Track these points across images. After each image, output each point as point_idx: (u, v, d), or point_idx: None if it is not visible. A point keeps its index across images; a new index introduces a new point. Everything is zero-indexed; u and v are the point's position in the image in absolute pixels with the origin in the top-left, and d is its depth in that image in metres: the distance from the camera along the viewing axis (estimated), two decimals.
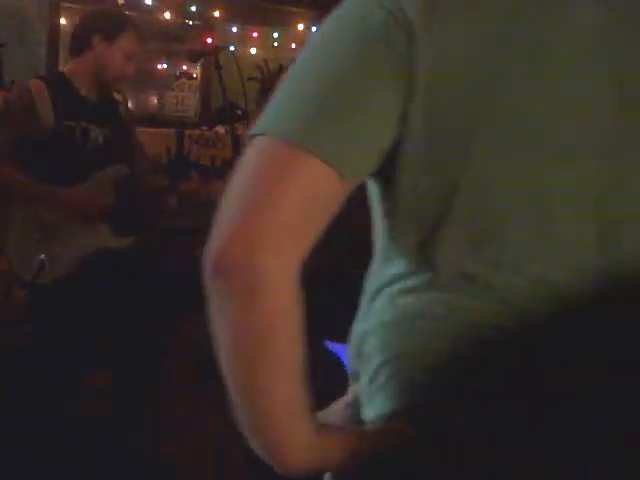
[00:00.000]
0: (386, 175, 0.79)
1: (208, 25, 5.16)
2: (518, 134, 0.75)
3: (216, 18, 5.14)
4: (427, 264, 0.78)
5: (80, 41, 2.70)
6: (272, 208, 0.70)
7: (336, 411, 0.90)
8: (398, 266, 0.81)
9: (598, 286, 0.77)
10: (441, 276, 0.78)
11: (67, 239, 2.62)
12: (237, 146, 2.54)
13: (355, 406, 0.86)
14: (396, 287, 0.81)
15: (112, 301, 2.65)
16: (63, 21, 4.91)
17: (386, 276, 0.83)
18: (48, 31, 4.85)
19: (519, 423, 0.77)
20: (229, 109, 2.74)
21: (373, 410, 0.83)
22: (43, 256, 2.47)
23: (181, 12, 5.12)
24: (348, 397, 0.90)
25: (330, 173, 0.71)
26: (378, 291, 0.84)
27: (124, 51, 2.68)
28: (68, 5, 4.92)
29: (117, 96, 2.88)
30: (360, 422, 0.85)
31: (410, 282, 0.80)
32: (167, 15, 5.05)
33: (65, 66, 2.78)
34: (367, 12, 0.74)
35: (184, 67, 5.40)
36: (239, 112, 3.27)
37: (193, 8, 5.10)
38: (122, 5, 4.76)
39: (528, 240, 0.76)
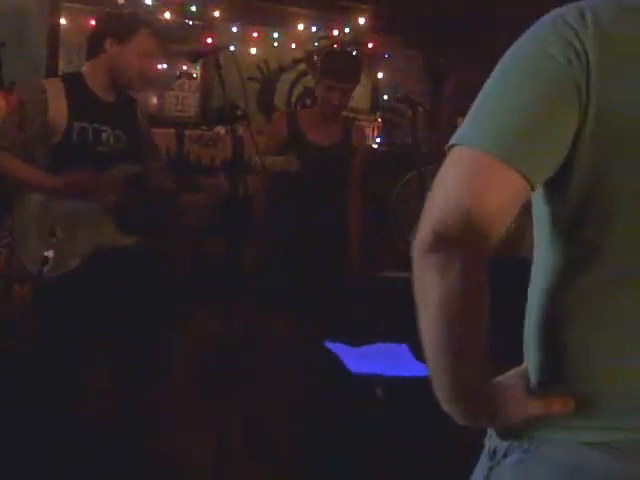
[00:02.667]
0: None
1: (208, 25, 5.15)
2: None
3: (216, 18, 5.13)
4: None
5: (94, 44, 2.73)
6: (482, 204, 0.90)
7: (509, 378, 1.05)
8: None
9: None
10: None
11: (73, 235, 2.62)
12: (237, 146, 2.54)
13: (526, 376, 1.03)
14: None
15: (114, 299, 2.66)
16: (63, 21, 4.89)
17: None
18: (48, 31, 4.84)
19: None
20: (229, 109, 2.73)
21: None
22: (49, 252, 2.48)
23: (181, 12, 5.11)
24: (521, 368, 1.05)
25: (521, 182, 0.91)
26: None
27: (137, 52, 2.70)
28: (68, 5, 4.91)
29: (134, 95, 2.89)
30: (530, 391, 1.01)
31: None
32: (167, 15, 5.05)
33: (83, 67, 2.80)
34: (547, 43, 0.93)
35: (184, 67, 5.39)
36: (239, 112, 3.27)
37: (193, 8, 5.10)
38: (122, 5, 4.75)
39: None
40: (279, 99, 5.39)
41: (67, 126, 2.61)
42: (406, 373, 2.32)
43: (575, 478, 0.95)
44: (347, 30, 5.59)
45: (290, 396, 3.10)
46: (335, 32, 5.57)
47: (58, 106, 2.62)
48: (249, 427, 3.14)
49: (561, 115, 0.92)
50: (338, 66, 3.30)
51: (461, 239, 0.89)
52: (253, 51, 5.50)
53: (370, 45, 5.73)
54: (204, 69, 5.28)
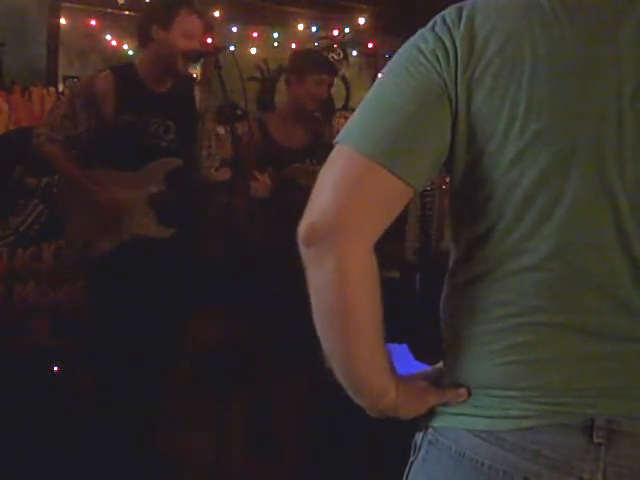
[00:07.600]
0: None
1: (208, 25, 5.15)
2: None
3: (216, 18, 5.14)
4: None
5: (142, 34, 2.72)
6: (351, 203, 0.92)
7: (423, 371, 1.11)
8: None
9: None
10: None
11: (114, 222, 2.64)
12: (237, 146, 2.53)
13: (439, 371, 1.07)
14: None
15: (144, 290, 2.66)
16: (63, 21, 4.90)
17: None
18: (48, 31, 4.84)
19: None
20: (229, 109, 2.73)
21: None
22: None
23: None
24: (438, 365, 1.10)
25: (395, 181, 0.92)
26: None
27: (183, 33, 2.67)
28: (68, 5, 4.92)
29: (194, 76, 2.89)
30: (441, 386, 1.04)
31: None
32: None
33: (135, 58, 2.81)
34: (423, 41, 0.96)
35: None
36: (239, 112, 3.26)
37: None
38: (122, 5, 4.76)
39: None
40: (279, 99, 5.40)
41: (115, 119, 2.62)
42: (406, 373, 2.32)
43: (456, 465, 0.98)
44: (347, 30, 5.60)
45: (291, 396, 3.11)
46: (335, 32, 5.58)
47: (106, 99, 2.63)
48: (249, 426, 3.14)
49: (431, 114, 0.94)
50: (320, 61, 3.23)
51: (330, 236, 0.91)
52: (253, 51, 5.51)
53: (370, 45, 5.74)
54: (204, 69, 5.29)
